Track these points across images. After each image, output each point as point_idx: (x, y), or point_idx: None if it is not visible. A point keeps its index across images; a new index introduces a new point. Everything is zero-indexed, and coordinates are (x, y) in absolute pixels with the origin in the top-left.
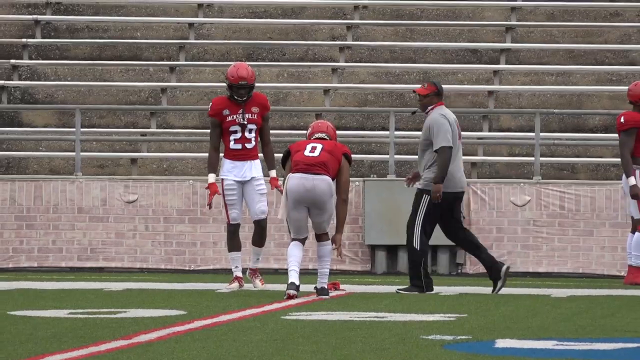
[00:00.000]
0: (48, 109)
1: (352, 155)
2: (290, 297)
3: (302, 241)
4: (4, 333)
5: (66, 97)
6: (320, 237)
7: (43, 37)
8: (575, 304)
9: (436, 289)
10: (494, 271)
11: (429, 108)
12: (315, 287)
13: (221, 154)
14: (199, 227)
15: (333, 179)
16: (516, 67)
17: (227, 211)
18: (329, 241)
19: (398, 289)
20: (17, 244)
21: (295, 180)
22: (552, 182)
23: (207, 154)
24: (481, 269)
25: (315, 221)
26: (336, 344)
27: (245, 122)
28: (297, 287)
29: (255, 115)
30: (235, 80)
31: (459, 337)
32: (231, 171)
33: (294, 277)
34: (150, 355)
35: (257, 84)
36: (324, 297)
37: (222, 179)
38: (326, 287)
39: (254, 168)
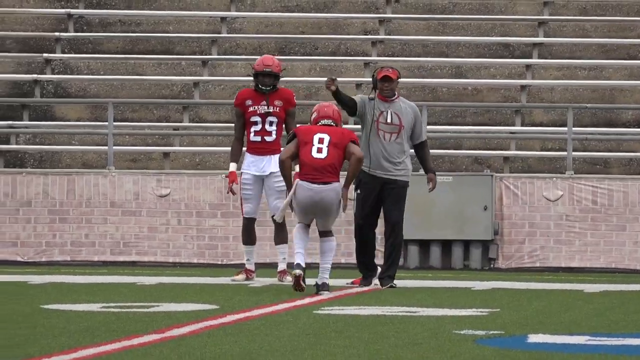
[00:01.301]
0: (81, 103)
1: None
2: (297, 277)
3: (309, 225)
4: (37, 327)
5: (99, 91)
6: (324, 233)
7: (76, 31)
8: (608, 299)
9: (469, 283)
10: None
11: (396, 95)
12: (316, 283)
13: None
14: (231, 221)
15: (342, 163)
16: (549, 62)
17: (242, 205)
18: (333, 237)
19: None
20: (50, 238)
21: (304, 191)
22: (585, 177)
23: None
24: (514, 264)
25: (321, 222)
26: (368, 339)
27: (270, 111)
28: (303, 268)
29: (278, 108)
30: (259, 68)
31: (491, 332)
32: (251, 166)
33: (299, 259)
34: (183, 349)
35: (289, 78)
36: (324, 292)
37: (242, 173)
38: (327, 282)
39: (273, 163)
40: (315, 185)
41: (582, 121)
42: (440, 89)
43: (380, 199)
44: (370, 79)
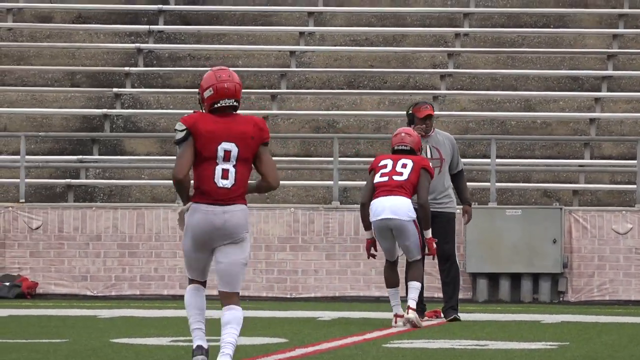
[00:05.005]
0: (150, 137)
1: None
2: None
3: (204, 284)
4: None
5: (168, 125)
6: (229, 298)
7: (145, 66)
8: None
9: (538, 317)
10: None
11: (434, 128)
12: None
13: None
14: (300, 254)
15: (250, 173)
16: (618, 95)
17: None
18: (240, 307)
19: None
20: (120, 272)
21: (201, 215)
22: None
23: (308, 182)
24: (583, 297)
25: (222, 269)
26: None
27: None
28: (206, 352)
29: None
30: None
31: None
32: None
33: (200, 339)
34: None
35: (358, 112)
36: None
37: None
38: None
39: None
40: (216, 207)
41: None
42: (509, 122)
43: None
44: (439, 112)
